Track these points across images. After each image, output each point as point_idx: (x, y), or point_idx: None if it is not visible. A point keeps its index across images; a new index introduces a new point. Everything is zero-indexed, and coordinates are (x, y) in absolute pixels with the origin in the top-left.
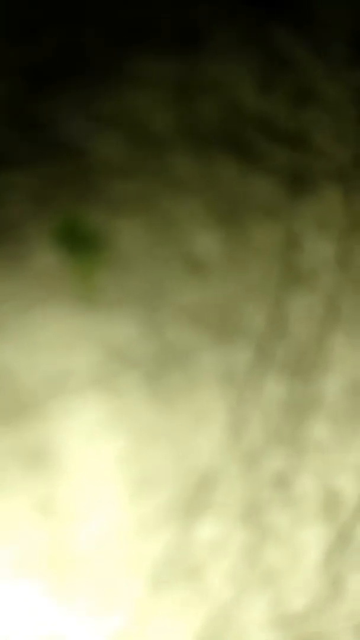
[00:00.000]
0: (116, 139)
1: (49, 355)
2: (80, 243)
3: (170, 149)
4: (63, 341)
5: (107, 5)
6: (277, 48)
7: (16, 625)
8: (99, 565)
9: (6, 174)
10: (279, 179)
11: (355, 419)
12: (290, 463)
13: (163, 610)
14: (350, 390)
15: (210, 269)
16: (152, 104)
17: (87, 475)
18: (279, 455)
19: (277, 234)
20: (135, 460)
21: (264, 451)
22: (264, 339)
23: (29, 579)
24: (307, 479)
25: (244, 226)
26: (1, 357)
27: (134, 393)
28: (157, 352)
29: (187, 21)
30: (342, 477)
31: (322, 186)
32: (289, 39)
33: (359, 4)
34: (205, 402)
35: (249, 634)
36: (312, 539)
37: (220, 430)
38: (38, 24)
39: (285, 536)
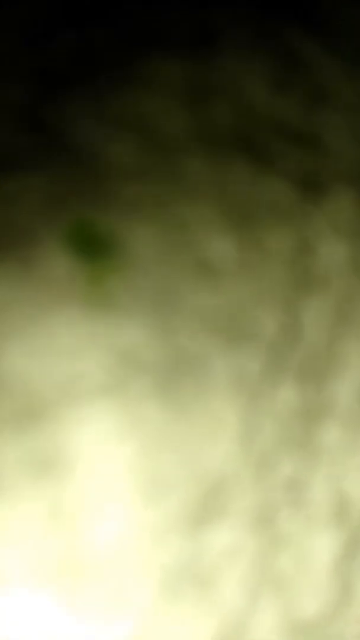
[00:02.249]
0: (128, 143)
1: (60, 360)
2: (92, 247)
3: (182, 152)
4: (74, 346)
5: (120, 8)
6: (290, 49)
7: (24, 633)
8: (108, 572)
9: (18, 177)
10: (292, 182)
11: None
12: (302, 469)
13: (173, 618)
14: None
15: (223, 273)
16: (165, 107)
17: (97, 481)
18: (291, 461)
19: (290, 238)
20: (146, 466)
21: (275, 457)
22: (275, 344)
23: (38, 586)
24: (318, 484)
25: (256, 230)
26: (12, 362)
27: (145, 398)
28: (169, 357)
29: (200, 23)
30: (353, 482)
31: (335, 189)
32: (303, 39)
33: None
34: (216, 408)
35: None
36: (323, 545)
37: (232, 435)
38: (50, 28)
39: (297, 542)
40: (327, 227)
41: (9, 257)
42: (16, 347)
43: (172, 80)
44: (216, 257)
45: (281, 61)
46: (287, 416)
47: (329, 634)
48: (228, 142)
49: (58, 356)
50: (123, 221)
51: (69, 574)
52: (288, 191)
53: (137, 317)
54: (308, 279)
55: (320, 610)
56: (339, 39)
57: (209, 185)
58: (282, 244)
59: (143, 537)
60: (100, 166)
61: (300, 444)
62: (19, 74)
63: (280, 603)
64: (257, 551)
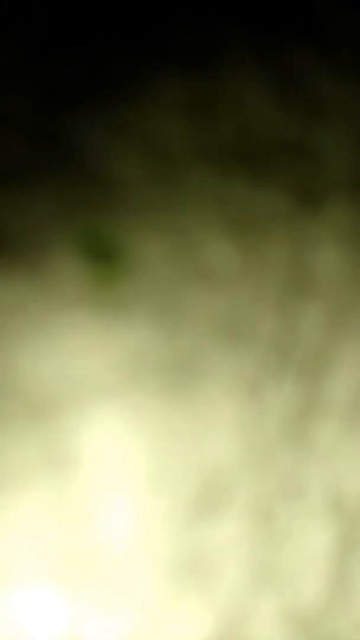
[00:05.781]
0: (134, 154)
1: (70, 360)
2: (100, 253)
3: (185, 163)
4: (84, 346)
5: (126, 24)
6: (290, 65)
7: (31, 624)
8: (114, 564)
9: (28, 187)
10: (289, 191)
11: None
12: (299, 462)
13: (176, 609)
14: (357, 392)
15: (224, 277)
16: (168, 120)
17: (105, 476)
18: (289, 455)
19: (287, 244)
20: (151, 460)
21: (274, 451)
22: (273, 343)
23: (45, 577)
24: (315, 478)
25: (255, 237)
26: (24, 361)
27: (151, 395)
28: (173, 356)
29: (203, 41)
30: (348, 476)
31: (330, 198)
32: (302, 55)
33: None
34: (216, 403)
35: (259, 632)
36: (319, 537)
37: (231, 429)
38: (58, 42)
39: (294, 534)
40: (322, 233)
41: (21, 262)
42: (28, 348)
43: (176, 95)
44: (217, 262)
45: (280, 77)
46: (285, 412)
47: (326, 624)
48: (229, 154)
49: (68, 356)
50: (130, 228)
51: (75, 566)
52: (285, 200)
53: (143, 319)
54: (305, 282)
55: (318, 602)
56: (334, 49)
57: (210, 195)
58: (279, 250)
59: (148, 530)
60: (107, 176)
61: (298, 438)
62: (28, 87)
63: (278, 594)
64: (256, 543)
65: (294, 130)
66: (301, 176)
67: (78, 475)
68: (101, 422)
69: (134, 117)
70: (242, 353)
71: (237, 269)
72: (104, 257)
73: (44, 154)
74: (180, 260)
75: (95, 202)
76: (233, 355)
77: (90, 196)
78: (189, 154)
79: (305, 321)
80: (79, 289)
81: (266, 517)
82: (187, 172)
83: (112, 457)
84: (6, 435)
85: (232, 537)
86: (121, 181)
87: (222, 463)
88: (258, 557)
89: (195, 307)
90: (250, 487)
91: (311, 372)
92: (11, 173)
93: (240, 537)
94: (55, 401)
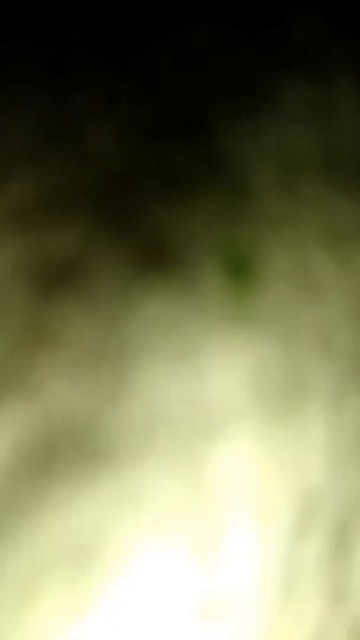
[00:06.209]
0: (268, 166)
1: (212, 381)
2: (238, 266)
3: (312, 173)
4: (226, 366)
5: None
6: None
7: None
8: (232, 578)
9: (187, 198)
10: None
11: None
12: None
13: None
14: None
15: (327, 291)
16: (297, 132)
17: (230, 494)
18: None
19: None
20: (263, 482)
21: (353, 465)
22: (356, 357)
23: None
24: None
25: (353, 250)
26: (183, 385)
27: (269, 416)
28: (288, 372)
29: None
30: None
31: None
32: None
33: None
34: (311, 420)
35: None
36: None
37: (320, 447)
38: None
39: None
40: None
41: (177, 277)
42: (185, 369)
43: (298, 104)
44: (323, 276)
45: None
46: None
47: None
48: (345, 166)
49: (211, 377)
50: (262, 239)
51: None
52: None
53: (267, 335)
54: None
55: None
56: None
57: (317, 205)
58: None
59: (258, 550)
60: (248, 186)
61: None
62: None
63: (353, 614)
64: (332, 564)
65: None
66: None
67: (209, 493)
68: (231, 443)
69: (267, 127)
70: (332, 367)
71: (339, 279)
72: (242, 270)
73: (203, 162)
74: (297, 274)
75: (238, 213)
76: (326, 369)
77: (235, 207)
78: (312, 165)
79: None
80: (221, 306)
81: (344, 537)
82: (307, 183)
83: (238, 478)
84: (153, 462)
85: (318, 557)
86: (257, 192)
87: (316, 479)
88: (335, 575)
89: (307, 321)
90: (334, 507)
91: None
92: (176, 183)
93: (322, 556)
94: (207, 422)
